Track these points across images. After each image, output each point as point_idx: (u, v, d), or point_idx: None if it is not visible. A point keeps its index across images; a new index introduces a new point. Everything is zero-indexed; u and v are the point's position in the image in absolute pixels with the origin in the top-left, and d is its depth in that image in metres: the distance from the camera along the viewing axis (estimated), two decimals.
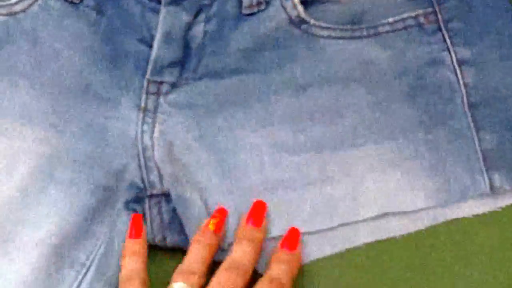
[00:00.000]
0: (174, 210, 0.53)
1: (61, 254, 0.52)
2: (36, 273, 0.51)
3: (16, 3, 0.55)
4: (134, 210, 0.53)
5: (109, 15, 0.56)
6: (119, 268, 0.51)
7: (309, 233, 0.52)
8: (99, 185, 0.53)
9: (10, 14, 0.55)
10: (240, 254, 0.49)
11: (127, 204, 0.53)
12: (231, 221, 0.52)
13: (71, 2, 0.55)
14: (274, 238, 0.52)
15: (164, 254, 0.53)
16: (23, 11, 0.55)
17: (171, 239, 0.53)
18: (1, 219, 0.52)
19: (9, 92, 0.54)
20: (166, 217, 0.53)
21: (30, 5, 0.55)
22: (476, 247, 0.53)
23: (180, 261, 0.50)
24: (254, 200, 0.52)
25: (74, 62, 0.55)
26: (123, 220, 0.52)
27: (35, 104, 0.54)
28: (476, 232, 0.53)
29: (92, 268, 0.52)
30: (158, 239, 0.53)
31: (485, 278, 0.52)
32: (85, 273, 0.52)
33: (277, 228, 0.52)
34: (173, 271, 0.49)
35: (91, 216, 0.53)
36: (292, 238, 0.51)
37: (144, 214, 0.53)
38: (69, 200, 0.52)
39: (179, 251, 0.52)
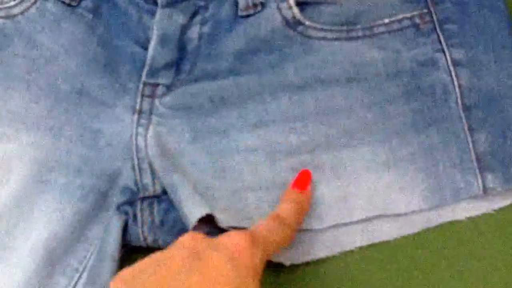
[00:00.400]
0: (165, 211, 0.53)
1: (53, 260, 0.52)
2: (29, 279, 0.51)
3: (14, 6, 0.56)
4: (126, 213, 0.53)
5: (106, 18, 0.56)
6: (111, 274, 0.51)
7: (302, 234, 0.52)
8: (92, 190, 0.53)
9: (8, 17, 0.55)
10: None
11: (119, 207, 0.53)
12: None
13: (69, 5, 0.56)
14: None
15: None
16: (21, 13, 0.55)
17: (163, 240, 0.53)
18: None
19: (5, 96, 0.54)
20: (157, 218, 0.53)
21: (28, 7, 0.56)
22: (470, 250, 0.53)
23: None
24: (249, 198, 0.53)
25: (71, 65, 0.55)
26: (115, 224, 0.52)
27: (31, 108, 0.54)
28: (470, 235, 0.53)
29: (85, 274, 0.52)
30: (150, 240, 0.53)
31: (479, 280, 0.52)
32: (78, 279, 0.52)
33: None
34: None
35: (83, 221, 0.53)
36: (303, 179, 0.51)
37: (135, 216, 0.53)
38: (62, 205, 0.53)
39: None
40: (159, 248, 0.52)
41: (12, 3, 0.56)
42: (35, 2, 0.56)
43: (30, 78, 0.55)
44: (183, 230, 0.51)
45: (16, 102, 0.54)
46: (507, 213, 0.53)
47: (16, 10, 0.56)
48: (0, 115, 0.54)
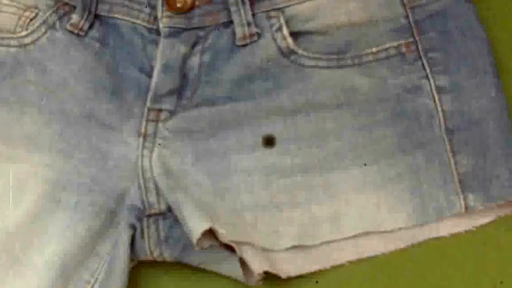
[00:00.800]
0: (170, 227, 0.56)
1: (67, 274, 0.54)
2: None
3: (26, 36, 0.58)
4: (134, 229, 0.55)
5: (112, 47, 0.58)
6: (121, 285, 0.54)
7: (297, 250, 0.55)
8: (102, 208, 0.56)
9: (20, 46, 0.58)
10: None
11: (127, 224, 0.56)
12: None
13: (77, 35, 0.58)
14: (263, 250, 0.55)
15: (162, 268, 0.57)
16: (33, 43, 0.58)
17: (168, 254, 0.56)
18: (10, 242, 0.54)
19: (18, 120, 0.57)
20: (162, 234, 0.56)
21: (39, 37, 0.58)
22: (452, 265, 0.55)
23: (175, 275, 0.55)
24: (246, 216, 0.56)
25: (80, 91, 0.57)
26: (124, 240, 0.55)
27: (42, 131, 0.57)
28: (452, 250, 0.56)
29: (96, 286, 0.55)
30: (156, 254, 0.56)
31: None
32: None
33: (267, 243, 0.55)
34: (170, 283, 0.54)
35: (94, 237, 0.55)
36: None
37: (142, 232, 0.56)
38: (74, 223, 0.55)
39: (176, 265, 0.56)
40: (164, 262, 0.56)
41: (24, 33, 0.58)
42: (45, 32, 0.58)
43: (42, 103, 0.57)
44: (186, 245, 0.55)
45: (29, 125, 0.57)
46: (488, 230, 0.56)
47: (28, 40, 0.58)
48: (14, 137, 0.57)
